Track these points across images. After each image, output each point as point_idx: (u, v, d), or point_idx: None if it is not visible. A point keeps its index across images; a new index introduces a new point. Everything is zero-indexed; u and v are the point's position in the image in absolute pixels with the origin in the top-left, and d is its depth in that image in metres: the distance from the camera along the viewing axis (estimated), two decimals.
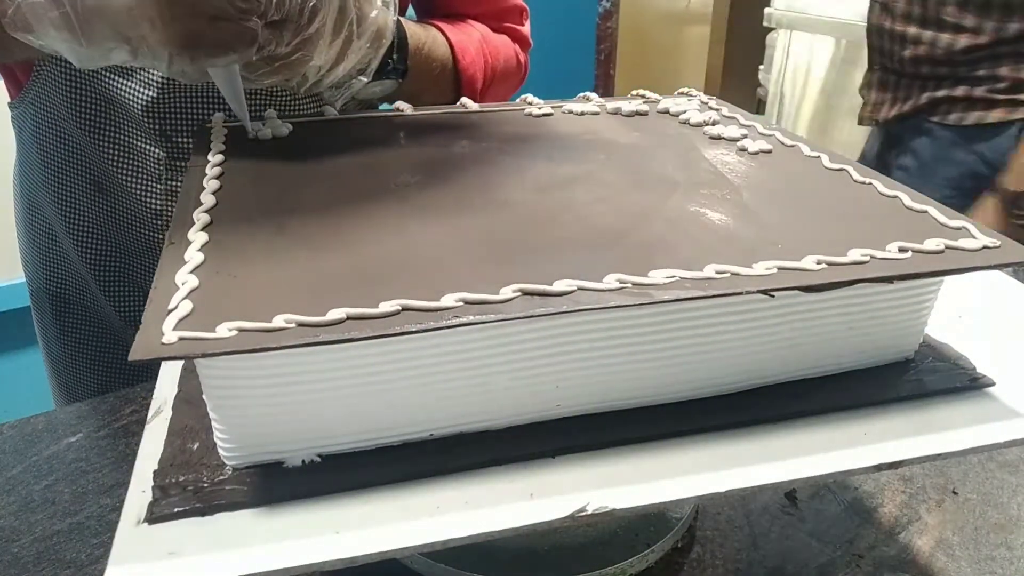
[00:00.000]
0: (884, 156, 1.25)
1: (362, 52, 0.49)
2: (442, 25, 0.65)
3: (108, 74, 0.58)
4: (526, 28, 0.74)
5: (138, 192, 0.62)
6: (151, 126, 0.59)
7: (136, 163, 0.61)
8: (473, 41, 0.67)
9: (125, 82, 0.58)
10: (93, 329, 0.69)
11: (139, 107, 0.58)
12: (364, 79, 0.52)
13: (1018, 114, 1.06)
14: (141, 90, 0.58)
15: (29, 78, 0.60)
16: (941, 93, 1.11)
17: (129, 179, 0.62)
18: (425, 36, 0.62)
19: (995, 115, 1.07)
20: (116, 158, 0.61)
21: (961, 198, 1.11)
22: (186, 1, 0.38)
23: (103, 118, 0.60)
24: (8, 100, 0.64)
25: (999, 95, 1.06)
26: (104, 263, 0.66)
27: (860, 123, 1.28)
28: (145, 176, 0.62)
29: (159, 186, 0.61)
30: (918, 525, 0.46)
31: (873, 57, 1.22)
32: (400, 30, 0.56)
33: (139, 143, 0.60)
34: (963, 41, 1.06)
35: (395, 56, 0.55)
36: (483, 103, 0.59)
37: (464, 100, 0.58)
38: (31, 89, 0.61)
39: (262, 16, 0.41)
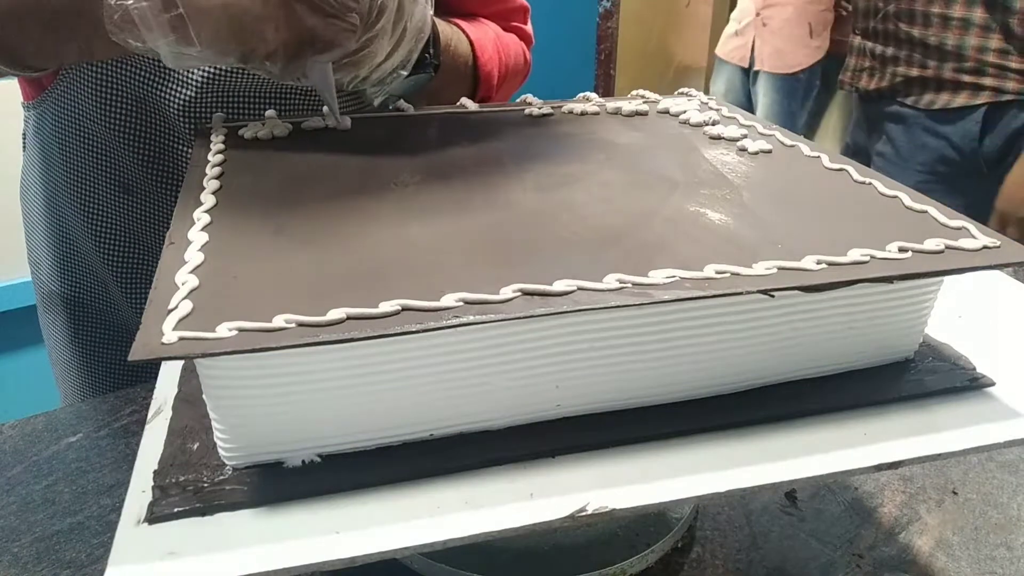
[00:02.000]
0: (865, 144, 1.28)
1: (408, 47, 0.49)
2: (460, 22, 0.65)
3: (144, 74, 0.57)
4: (529, 27, 0.75)
5: (166, 193, 0.62)
6: (186, 127, 0.59)
7: (166, 164, 0.61)
8: (489, 39, 0.67)
9: (162, 82, 0.57)
10: (109, 332, 0.69)
11: (175, 108, 0.58)
12: (404, 73, 0.52)
13: (980, 99, 1.11)
14: (179, 90, 0.58)
15: (55, 79, 0.59)
16: (914, 72, 1.15)
17: (158, 180, 0.61)
18: (451, 32, 0.62)
19: (960, 100, 1.12)
20: (146, 159, 0.60)
21: (936, 183, 1.16)
22: (311, 1, 0.39)
23: (134, 119, 0.59)
24: (22, 101, 0.63)
25: (965, 76, 1.11)
26: (128, 265, 0.65)
27: (840, 88, 1.32)
28: (175, 177, 0.61)
29: None
30: (918, 525, 0.46)
31: (856, 21, 1.24)
32: (433, 25, 0.56)
33: (171, 144, 0.60)
34: (936, 8, 1.11)
35: (431, 51, 0.55)
36: (489, 102, 0.59)
37: (464, 100, 0.58)
38: (56, 89, 0.60)
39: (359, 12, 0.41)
